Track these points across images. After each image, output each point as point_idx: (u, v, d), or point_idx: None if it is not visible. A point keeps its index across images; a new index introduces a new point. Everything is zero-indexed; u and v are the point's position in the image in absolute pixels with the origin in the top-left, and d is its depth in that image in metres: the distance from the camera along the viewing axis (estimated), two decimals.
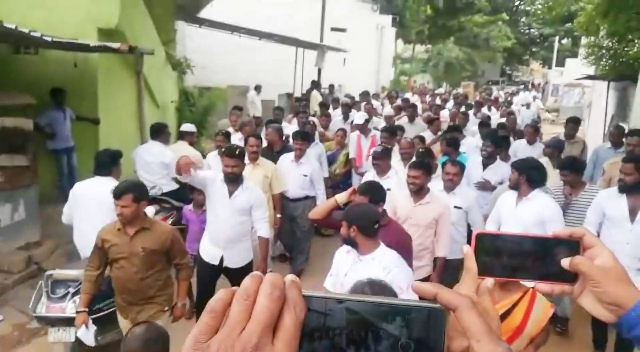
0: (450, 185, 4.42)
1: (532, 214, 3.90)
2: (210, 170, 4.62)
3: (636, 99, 12.92)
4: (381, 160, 4.91)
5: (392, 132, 6.52)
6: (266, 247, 4.21)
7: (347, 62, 19.23)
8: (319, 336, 0.44)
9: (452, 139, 6.25)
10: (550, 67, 38.09)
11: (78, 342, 3.38)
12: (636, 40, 8.22)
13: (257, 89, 13.32)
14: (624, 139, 6.68)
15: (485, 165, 5.62)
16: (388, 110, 10.12)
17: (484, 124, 8.20)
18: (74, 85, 6.64)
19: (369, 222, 2.81)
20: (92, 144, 6.80)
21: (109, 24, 6.47)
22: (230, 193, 4.03)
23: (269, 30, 13.56)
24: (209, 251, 4.17)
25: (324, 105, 10.56)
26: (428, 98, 17.04)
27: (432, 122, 8.16)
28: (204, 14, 12.68)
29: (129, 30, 6.89)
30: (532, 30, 40.87)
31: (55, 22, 6.05)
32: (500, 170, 5.50)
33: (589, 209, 4.18)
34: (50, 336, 3.40)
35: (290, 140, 6.15)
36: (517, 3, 39.24)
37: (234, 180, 4.02)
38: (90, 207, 3.88)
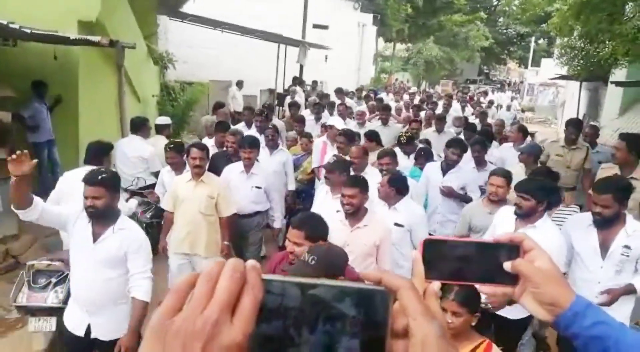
0: (386, 198, 3.87)
1: None
2: (70, 204, 3.47)
3: (606, 98, 13.40)
4: (333, 173, 4.11)
5: (349, 137, 5.57)
6: (140, 313, 2.99)
7: (329, 59, 19.33)
8: (276, 316, 0.47)
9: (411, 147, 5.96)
10: (526, 67, 38.91)
11: (58, 331, 3.40)
12: (607, 42, 8.50)
13: (239, 84, 13.33)
14: (597, 140, 6.87)
15: (445, 170, 4.97)
16: (360, 108, 9.47)
17: (470, 127, 7.68)
18: (54, 78, 6.59)
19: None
20: (73, 138, 6.77)
21: (89, 16, 6.43)
22: (95, 236, 2.99)
23: (251, 26, 13.56)
24: (72, 316, 3.13)
25: (294, 106, 9.82)
26: (405, 97, 16.85)
27: (411, 124, 7.50)
28: (187, 8, 12.60)
29: (109, 24, 6.86)
30: (509, 30, 41.59)
31: (34, 13, 5.98)
32: (463, 175, 4.96)
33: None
34: (30, 325, 3.41)
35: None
36: (495, 3, 39.88)
37: (99, 217, 2.95)
38: (80, 196, 3.88)
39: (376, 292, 0.49)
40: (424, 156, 5.54)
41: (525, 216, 3.35)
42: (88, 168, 4.04)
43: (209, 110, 9.67)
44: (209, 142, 5.80)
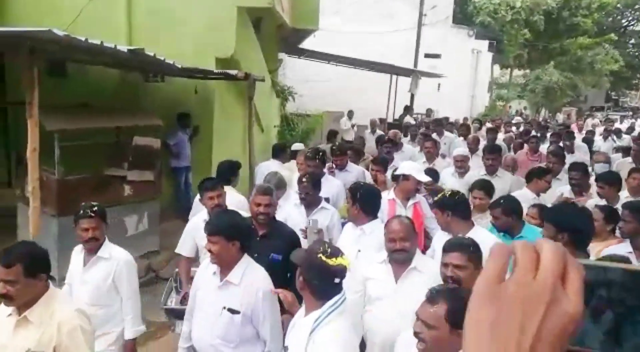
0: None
1: None
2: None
3: None
4: (309, 194, 3.99)
5: (341, 151, 5.45)
6: None
7: (442, 88, 19.05)
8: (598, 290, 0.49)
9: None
10: None
11: None
12: None
13: (350, 114, 13.63)
14: None
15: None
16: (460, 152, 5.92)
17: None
18: (193, 110, 7.31)
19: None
20: (206, 164, 7.35)
21: (226, 53, 7.05)
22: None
23: (364, 57, 13.90)
24: None
25: (384, 142, 6.87)
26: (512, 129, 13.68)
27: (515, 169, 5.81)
28: (304, 44, 13.35)
29: (243, 59, 7.45)
30: None
31: (178, 52, 6.71)
32: None
33: None
34: (177, 327, 3.68)
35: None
36: (624, 23, 36.56)
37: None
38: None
39: None
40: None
41: None
42: None
43: (323, 140, 10.02)
44: None
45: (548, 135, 9.57)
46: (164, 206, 6.74)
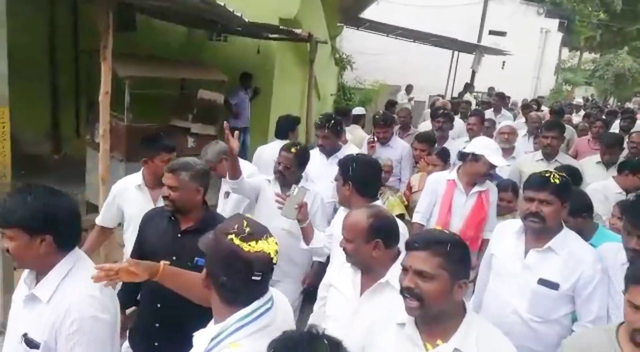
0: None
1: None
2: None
3: None
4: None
5: (385, 121, 4.64)
6: None
7: (505, 67, 18.24)
8: None
9: None
10: None
11: None
12: None
13: (408, 89, 13.27)
14: None
15: None
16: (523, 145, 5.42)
17: None
18: (254, 70, 7.31)
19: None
20: (263, 126, 7.37)
21: (289, 14, 6.96)
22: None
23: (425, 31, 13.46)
24: None
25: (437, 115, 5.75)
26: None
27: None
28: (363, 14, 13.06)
29: (305, 21, 7.34)
30: None
31: (241, 10, 6.69)
32: None
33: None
34: None
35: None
36: None
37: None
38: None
39: None
40: None
41: None
42: (277, 142, 4.32)
43: (379, 111, 9.81)
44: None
45: (617, 122, 8.30)
46: None
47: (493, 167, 3.35)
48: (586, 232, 2.67)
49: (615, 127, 7.32)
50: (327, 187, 3.45)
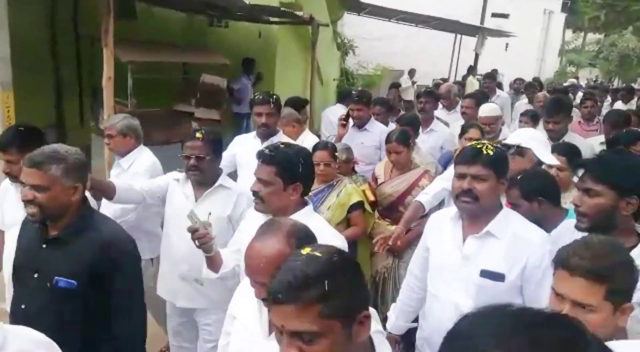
0: None
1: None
2: None
3: None
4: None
5: (361, 98, 4.17)
6: None
7: (508, 49, 18.09)
8: None
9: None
10: None
11: None
12: None
13: (411, 73, 13.18)
14: None
15: None
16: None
17: None
18: (256, 56, 7.28)
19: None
20: None
21: None
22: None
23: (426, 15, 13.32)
24: None
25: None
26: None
27: None
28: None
29: (306, 5, 7.29)
30: None
31: None
32: None
33: None
34: None
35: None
36: None
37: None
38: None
39: None
40: None
41: None
42: None
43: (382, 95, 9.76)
44: None
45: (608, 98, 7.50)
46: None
47: (540, 164, 2.66)
48: (547, 220, 2.19)
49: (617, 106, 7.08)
50: None
